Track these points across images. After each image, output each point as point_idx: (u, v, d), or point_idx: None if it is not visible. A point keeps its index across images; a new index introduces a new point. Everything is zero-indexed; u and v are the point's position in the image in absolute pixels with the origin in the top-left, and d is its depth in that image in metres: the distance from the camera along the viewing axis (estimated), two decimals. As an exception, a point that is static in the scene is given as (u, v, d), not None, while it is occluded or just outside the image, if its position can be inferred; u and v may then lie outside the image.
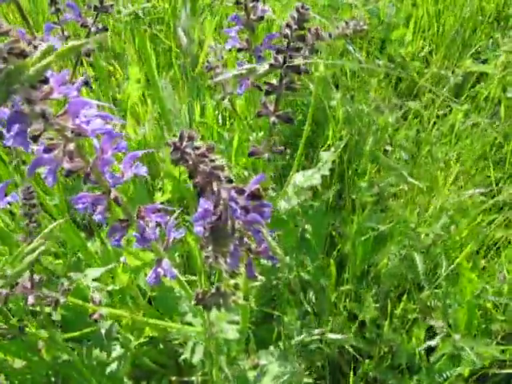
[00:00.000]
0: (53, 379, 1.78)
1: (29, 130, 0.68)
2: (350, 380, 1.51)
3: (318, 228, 1.87)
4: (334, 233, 1.94)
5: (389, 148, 2.04)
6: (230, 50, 1.30)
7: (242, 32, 1.32)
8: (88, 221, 2.07)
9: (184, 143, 0.72)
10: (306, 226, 1.88)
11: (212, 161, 0.76)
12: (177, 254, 1.88)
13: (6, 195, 1.16)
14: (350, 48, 1.23)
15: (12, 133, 0.66)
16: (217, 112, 1.91)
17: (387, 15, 2.17)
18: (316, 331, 1.28)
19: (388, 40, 2.32)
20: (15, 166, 1.31)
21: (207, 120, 1.93)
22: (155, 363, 1.87)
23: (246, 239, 0.97)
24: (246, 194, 0.86)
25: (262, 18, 1.25)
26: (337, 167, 1.89)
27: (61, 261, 1.71)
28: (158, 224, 1.07)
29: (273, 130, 0.96)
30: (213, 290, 1.02)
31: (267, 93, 0.94)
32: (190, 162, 0.74)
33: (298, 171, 1.67)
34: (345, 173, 1.90)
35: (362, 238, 1.73)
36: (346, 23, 1.40)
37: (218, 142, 1.92)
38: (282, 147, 1.01)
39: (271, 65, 0.91)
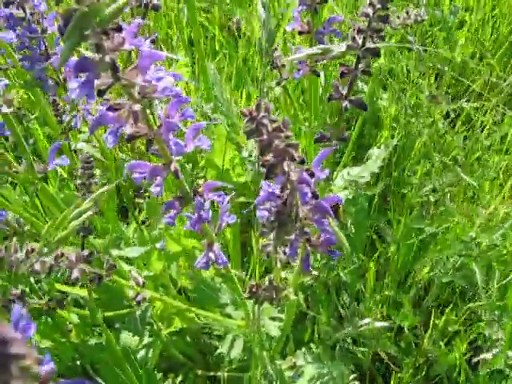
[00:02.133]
0: (78, 363, 1.75)
1: (96, 83, 0.63)
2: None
3: (360, 228, 1.81)
4: (374, 236, 1.88)
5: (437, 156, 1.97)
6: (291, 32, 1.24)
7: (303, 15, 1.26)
8: (126, 205, 2.04)
9: (261, 114, 0.66)
10: (348, 226, 1.82)
11: (287, 137, 0.71)
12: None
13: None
14: (411, 38, 1.17)
15: (77, 84, 0.62)
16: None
17: (448, 17, 2.09)
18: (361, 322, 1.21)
19: (444, 42, 2.25)
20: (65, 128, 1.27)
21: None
22: (183, 355, 1.83)
23: (306, 229, 0.92)
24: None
25: (326, 0, 1.20)
26: (384, 168, 1.83)
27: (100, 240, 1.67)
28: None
29: (343, 115, 0.91)
30: (266, 283, 0.96)
31: (342, 75, 0.88)
32: (265, 136, 0.69)
33: (345, 168, 1.61)
34: (391, 175, 1.83)
35: (408, 242, 1.66)
36: (407, 13, 1.34)
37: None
38: (348, 133, 0.95)
39: (348, 46, 0.85)
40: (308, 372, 1.29)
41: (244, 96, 1.97)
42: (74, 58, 0.61)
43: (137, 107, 0.70)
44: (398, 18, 1.36)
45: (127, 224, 1.98)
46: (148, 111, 0.75)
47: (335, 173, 1.60)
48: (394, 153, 1.70)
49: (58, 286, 1.48)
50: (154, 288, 1.79)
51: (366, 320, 1.20)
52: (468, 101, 2.23)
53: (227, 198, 0.88)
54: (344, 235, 1.82)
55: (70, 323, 1.71)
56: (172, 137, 0.74)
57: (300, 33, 1.19)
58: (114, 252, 1.28)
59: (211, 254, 0.96)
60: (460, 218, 1.36)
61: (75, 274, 0.86)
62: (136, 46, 0.66)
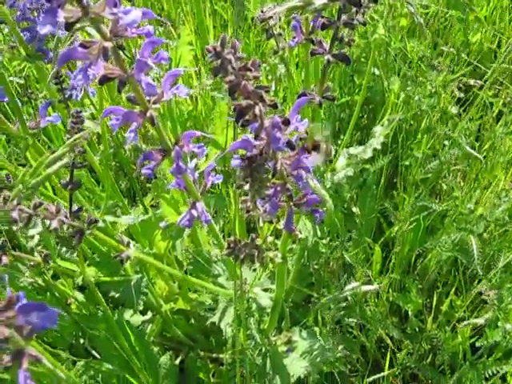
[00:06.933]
0: (81, 341, 1.75)
1: (63, 16, 0.63)
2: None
3: (366, 211, 1.78)
4: (381, 219, 1.85)
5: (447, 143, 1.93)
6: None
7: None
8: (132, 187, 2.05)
9: (226, 50, 0.65)
10: (354, 209, 1.80)
11: (256, 78, 0.69)
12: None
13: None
14: (412, 9, 1.14)
15: (43, 15, 0.62)
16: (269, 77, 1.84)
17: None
18: (348, 286, 1.18)
19: (457, 29, 2.21)
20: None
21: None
22: (186, 336, 1.82)
23: (289, 186, 0.90)
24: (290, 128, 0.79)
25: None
26: (389, 145, 1.79)
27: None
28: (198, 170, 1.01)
29: (327, 70, 0.89)
30: (247, 241, 0.95)
31: (323, 27, 0.87)
32: (232, 76, 0.67)
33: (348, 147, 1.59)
34: (399, 158, 1.80)
35: (414, 223, 1.62)
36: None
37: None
38: (335, 94, 0.93)
39: (330, -4, 0.84)
40: (301, 347, 1.27)
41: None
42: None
43: (107, 44, 0.70)
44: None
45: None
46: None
47: (337, 152, 1.58)
48: (399, 129, 1.66)
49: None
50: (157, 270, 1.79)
51: (354, 284, 1.17)
52: (481, 88, 2.19)
53: (206, 150, 0.87)
54: (350, 218, 1.79)
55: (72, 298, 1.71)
56: (144, 77, 0.73)
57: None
58: (109, 218, 1.28)
59: (194, 212, 0.95)
60: (461, 193, 1.33)
61: (54, 224, 0.86)
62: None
